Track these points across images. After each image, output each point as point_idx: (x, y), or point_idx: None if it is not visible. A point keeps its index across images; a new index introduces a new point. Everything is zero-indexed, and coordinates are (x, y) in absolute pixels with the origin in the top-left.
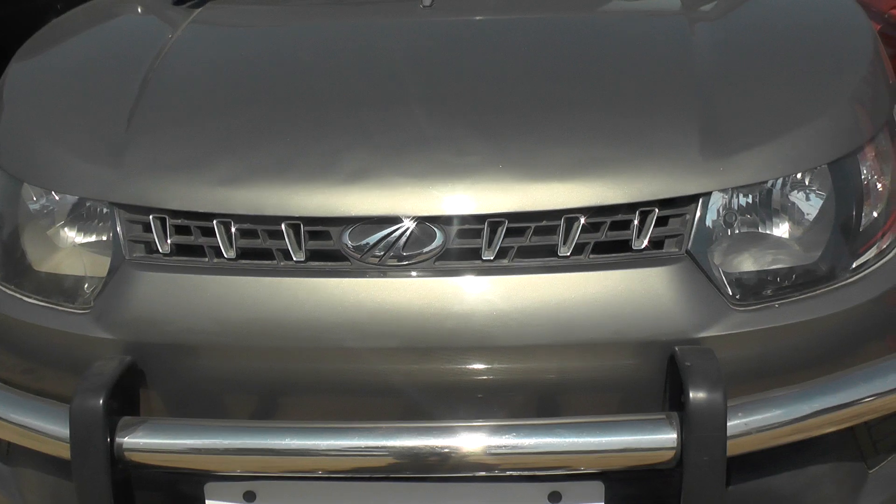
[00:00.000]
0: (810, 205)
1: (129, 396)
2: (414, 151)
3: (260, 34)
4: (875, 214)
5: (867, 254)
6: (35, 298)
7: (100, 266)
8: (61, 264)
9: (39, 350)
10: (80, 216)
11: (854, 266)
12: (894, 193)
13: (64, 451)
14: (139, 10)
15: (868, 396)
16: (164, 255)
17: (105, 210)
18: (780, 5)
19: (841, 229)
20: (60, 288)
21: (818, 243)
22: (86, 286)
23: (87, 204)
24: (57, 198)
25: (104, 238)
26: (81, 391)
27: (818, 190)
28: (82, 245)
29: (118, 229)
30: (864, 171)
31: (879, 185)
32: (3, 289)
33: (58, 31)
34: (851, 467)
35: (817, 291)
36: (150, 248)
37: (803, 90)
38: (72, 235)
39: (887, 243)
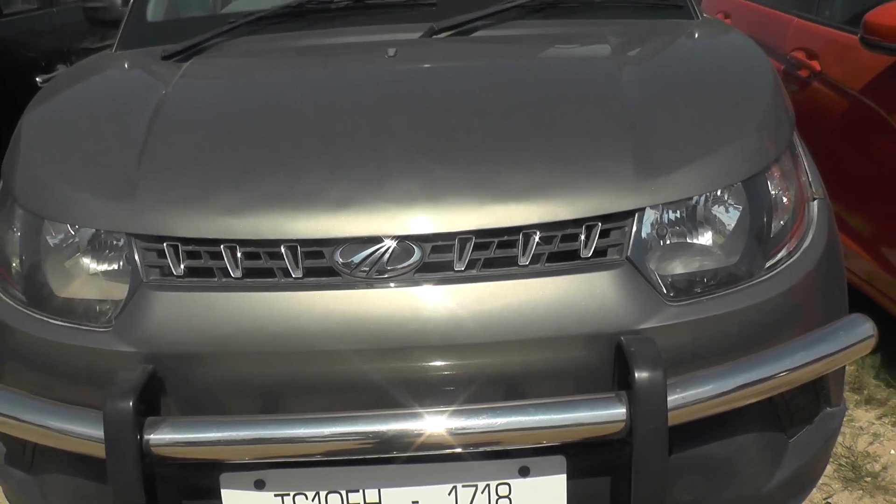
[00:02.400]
0: (729, 217)
1: (152, 400)
2: (392, 180)
3: (246, 83)
4: (783, 223)
5: (777, 255)
6: (60, 321)
7: (118, 289)
8: (82, 290)
9: (66, 366)
10: (96, 247)
11: (767, 266)
12: (798, 204)
13: (97, 451)
14: (126, 65)
15: (781, 372)
16: (178, 277)
17: (121, 241)
18: (695, 51)
19: (755, 236)
20: (82, 310)
21: (736, 249)
22: (106, 308)
23: (103, 236)
24: (74, 232)
25: (120, 265)
26: (112, 395)
27: (735, 204)
28: (101, 272)
29: (135, 256)
30: (772, 187)
31: (785, 199)
32: (30, 313)
33: (63, 84)
34: (774, 437)
35: (737, 288)
36: (165, 272)
37: (717, 120)
38: (90, 264)
39: (794, 246)
